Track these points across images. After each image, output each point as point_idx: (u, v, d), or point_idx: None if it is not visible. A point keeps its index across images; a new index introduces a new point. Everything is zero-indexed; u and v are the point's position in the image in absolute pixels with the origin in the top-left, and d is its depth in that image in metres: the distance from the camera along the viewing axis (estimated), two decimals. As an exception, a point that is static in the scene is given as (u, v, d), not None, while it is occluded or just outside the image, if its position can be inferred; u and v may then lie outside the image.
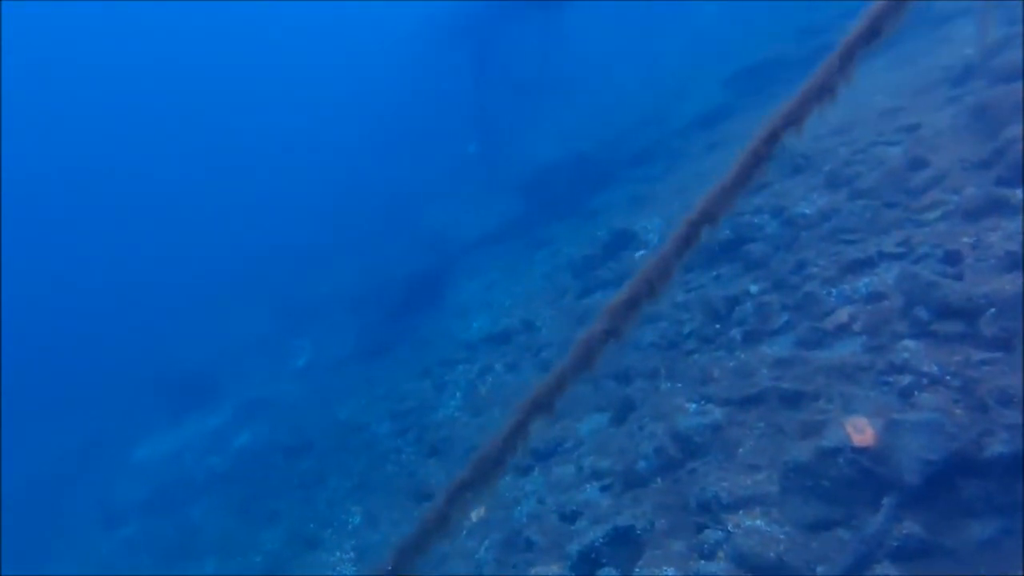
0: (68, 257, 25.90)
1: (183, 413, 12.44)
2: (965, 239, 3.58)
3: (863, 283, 3.88)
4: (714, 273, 5.21)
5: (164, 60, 38.55)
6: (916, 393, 3.04)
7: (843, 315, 3.77)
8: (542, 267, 8.34)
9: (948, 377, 2.99)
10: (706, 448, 3.71)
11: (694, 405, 4.09)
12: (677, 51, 11.91)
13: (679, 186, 7.21)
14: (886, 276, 3.81)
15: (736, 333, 4.35)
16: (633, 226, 6.77)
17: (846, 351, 3.59)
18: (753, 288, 4.57)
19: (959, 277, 3.36)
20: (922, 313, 3.31)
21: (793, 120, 2.52)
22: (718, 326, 4.57)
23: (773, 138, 2.54)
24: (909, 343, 3.25)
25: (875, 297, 3.73)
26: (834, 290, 3.99)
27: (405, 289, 11.37)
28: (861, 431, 3.01)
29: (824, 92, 2.47)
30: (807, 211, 4.80)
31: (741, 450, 3.55)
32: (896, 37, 5.31)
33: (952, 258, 3.51)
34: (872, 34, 2.43)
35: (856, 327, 3.67)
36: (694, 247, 2.62)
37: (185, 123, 35.49)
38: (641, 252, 6.37)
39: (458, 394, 6.64)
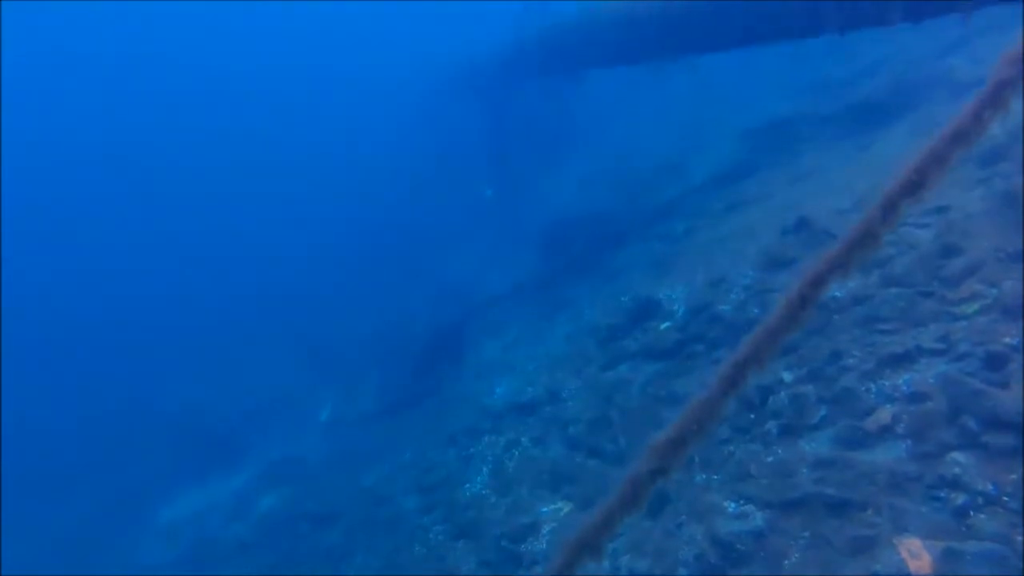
0: (76, 304, 25.76)
1: (207, 470, 12.44)
2: (1007, 339, 3.51)
3: (903, 380, 3.81)
4: (744, 353, 5.15)
5: (180, 89, 39.11)
6: (972, 514, 2.95)
7: (885, 416, 3.69)
8: (564, 329, 8.31)
9: (1005, 498, 2.89)
10: (749, 557, 3.61)
11: (733, 505, 4.00)
12: (690, 101, 12.01)
13: (701, 251, 7.19)
14: (927, 374, 3.74)
15: (772, 426, 4.27)
16: (657, 294, 6.75)
17: (891, 456, 3.51)
18: (787, 376, 4.50)
19: (1004, 384, 3.28)
20: (970, 423, 3.23)
21: (838, 267, 2.51)
22: (752, 416, 4.49)
23: (818, 283, 2.53)
24: (959, 456, 3.16)
25: (917, 397, 3.65)
26: (873, 386, 3.91)
27: (425, 343, 11.39)
28: (917, 556, 2.92)
29: (868, 240, 2.46)
30: (838, 294, 4.76)
31: (787, 563, 3.45)
32: (918, 101, 5.32)
33: (995, 361, 3.44)
34: (915, 186, 2.44)
35: (900, 430, 3.59)
36: (741, 388, 2.59)
37: (197, 164, 35.70)
38: (666, 324, 6.32)
39: (485, 469, 6.57)
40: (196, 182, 34.22)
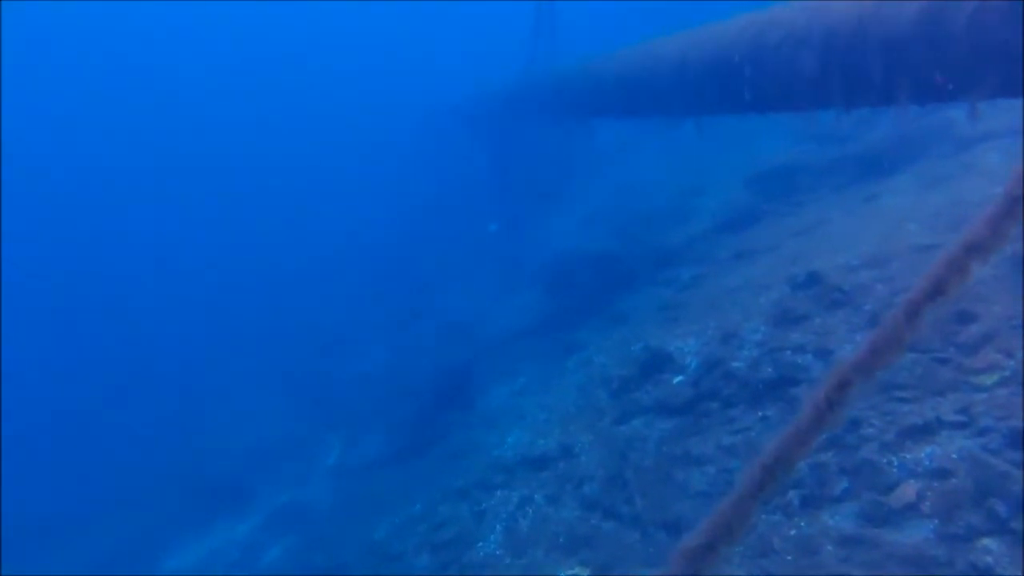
0: (73, 341, 24.98)
1: (212, 517, 12.28)
2: (1030, 415, 3.50)
3: (925, 454, 3.78)
4: (759, 414, 5.13)
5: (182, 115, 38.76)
6: (1006, 608, 2.90)
7: (910, 492, 3.65)
8: (574, 377, 8.28)
9: (1039, 593, 2.85)
10: (777, 642, 3.54)
11: (757, 582, 3.93)
12: (693, 144, 12.15)
13: (710, 300, 7.21)
14: (949, 449, 3.71)
15: (793, 496, 4.23)
16: (668, 346, 6.75)
17: (918, 537, 3.46)
18: (806, 443, 4.47)
19: (1031, 465, 3.26)
20: (999, 507, 3.19)
21: (862, 371, 2.51)
22: (772, 483, 4.44)
23: (844, 386, 2.53)
24: (990, 543, 3.12)
25: (941, 474, 3.62)
26: (895, 458, 3.88)
27: (433, 386, 11.34)
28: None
29: (893, 346, 2.47)
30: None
31: (816, 650, 3.39)
32: (920, 153, 5.38)
33: (1019, 439, 3.42)
34: (937, 292, 2.46)
35: (925, 508, 3.55)
36: (770, 491, 2.58)
37: (195, 195, 34.86)
38: (679, 378, 6.31)
39: (498, 527, 6.48)
40: (189, 221, 33.45)
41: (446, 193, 21.26)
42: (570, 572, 5.37)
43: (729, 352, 5.94)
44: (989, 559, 3.05)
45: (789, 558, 3.88)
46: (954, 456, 3.63)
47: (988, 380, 3.87)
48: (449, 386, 10.91)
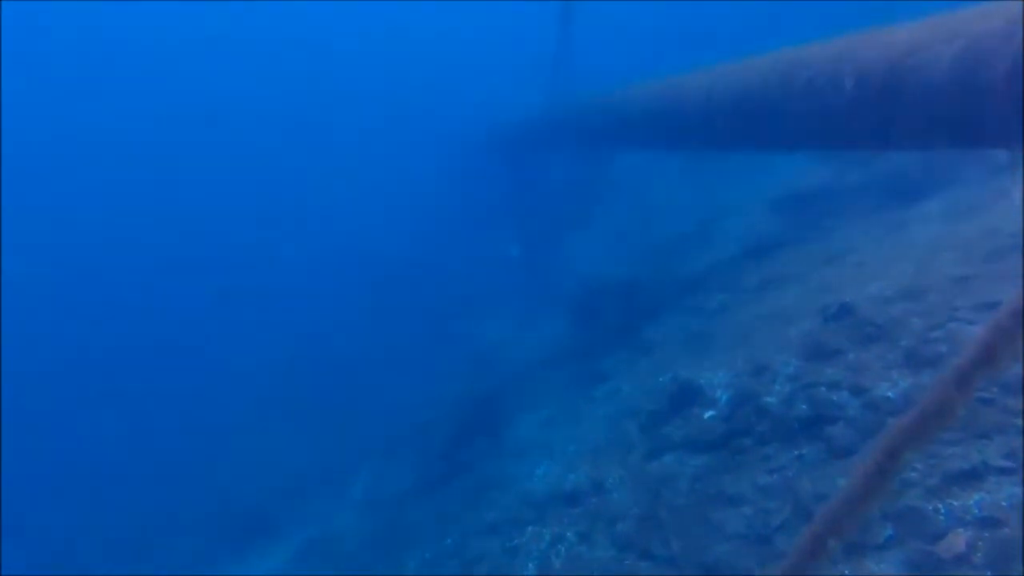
0: (92, 367, 23.92)
1: (244, 549, 12.35)
2: (1083, 462, 3.41)
3: (974, 501, 3.69)
4: (796, 453, 5.06)
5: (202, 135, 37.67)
6: (1069, 671, 2.81)
7: (959, 542, 3.56)
8: (602, 408, 8.25)
9: (1103, 656, 2.76)
10: None
11: (803, 633, 3.85)
12: (715, 164, 12.13)
13: (738, 330, 7.15)
14: (998, 496, 3.62)
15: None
16: (698, 379, 6.69)
17: (971, 590, 3.38)
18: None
19: (1088, 517, 3.17)
20: (1054, 562, 3.11)
21: (913, 439, 2.49)
22: (813, 528, 4.36)
23: (894, 455, 2.51)
24: (1047, 600, 3.04)
25: (991, 523, 3.53)
26: (941, 506, 3.80)
27: (460, 415, 11.36)
28: None
29: (943, 414, 2.45)
30: (891, 394, 4.68)
31: None
32: (950, 178, 5.33)
33: (1073, 488, 3.33)
34: (986, 360, 2.43)
35: (977, 559, 3.46)
36: (823, 559, 2.55)
37: (213, 219, 33.34)
38: (710, 412, 6.25)
39: (531, 565, 6.44)
40: (208, 249, 32.23)
41: (467, 216, 21.37)
42: (607, 616, 5.32)
43: (761, 386, 5.87)
44: (1049, 619, 2.96)
45: (835, 608, 3.81)
46: (1004, 504, 3.55)
47: (1035, 423, 3.78)
48: (475, 415, 10.93)
